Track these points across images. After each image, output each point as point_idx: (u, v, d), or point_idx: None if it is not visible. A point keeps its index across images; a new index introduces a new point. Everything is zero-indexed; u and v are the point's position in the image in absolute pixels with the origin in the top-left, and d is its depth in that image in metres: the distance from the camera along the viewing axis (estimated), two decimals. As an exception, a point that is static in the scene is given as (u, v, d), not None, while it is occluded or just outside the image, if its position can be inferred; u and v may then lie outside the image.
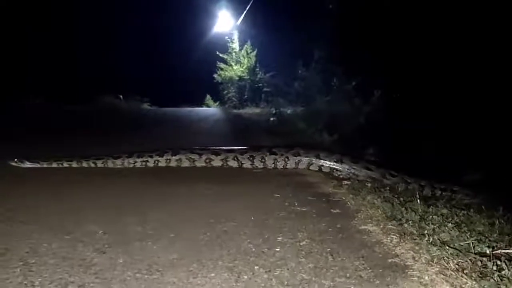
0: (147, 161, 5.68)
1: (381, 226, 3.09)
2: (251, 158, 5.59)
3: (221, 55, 27.69)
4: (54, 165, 5.50)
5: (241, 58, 27.05)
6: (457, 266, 2.36)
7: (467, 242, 2.68)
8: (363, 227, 3.14)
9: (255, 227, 3.11)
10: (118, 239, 2.79)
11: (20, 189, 4.31)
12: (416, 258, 2.52)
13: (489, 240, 2.79)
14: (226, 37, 27.94)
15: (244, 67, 26.99)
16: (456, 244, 2.66)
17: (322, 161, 5.50)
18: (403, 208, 3.48)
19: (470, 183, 5.97)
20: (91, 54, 28.37)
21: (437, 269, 2.35)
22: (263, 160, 5.56)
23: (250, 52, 26.63)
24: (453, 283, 2.19)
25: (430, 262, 2.43)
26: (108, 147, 6.60)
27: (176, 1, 34.48)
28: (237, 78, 27.47)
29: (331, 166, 5.42)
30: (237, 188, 4.56)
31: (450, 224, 3.06)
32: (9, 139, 8.21)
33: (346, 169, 5.35)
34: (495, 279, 2.16)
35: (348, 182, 4.57)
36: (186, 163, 5.69)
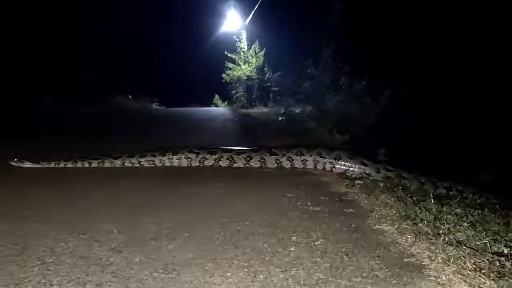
0: (153, 160, 5.70)
1: (396, 226, 3.07)
2: (261, 159, 5.61)
3: (229, 54, 27.69)
4: (52, 165, 5.53)
5: (250, 57, 27.03)
6: (474, 266, 2.34)
7: (484, 241, 2.65)
8: (377, 226, 3.12)
9: (268, 226, 3.11)
10: (133, 239, 2.81)
11: (32, 189, 4.35)
12: (433, 258, 2.50)
13: (505, 240, 2.76)
14: (234, 37, 27.96)
15: (252, 66, 26.96)
16: (472, 244, 2.64)
17: (322, 158, 5.55)
18: (417, 208, 3.46)
19: (482, 182, 5.92)
20: (100, 55, 28.53)
21: (454, 268, 2.34)
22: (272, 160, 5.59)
23: (259, 52, 26.60)
24: (471, 283, 2.17)
25: (447, 262, 2.41)
26: (114, 147, 6.63)
27: (185, 1, 34.59)
28: (245, 78, 27.46)
29: (330, 162, 5.50)
30: (248, 187, 4.57)
31: (465, 223, 3.03)
32: (20, 139, 8.31)
33: (342, 165, 5.44)
34: (514, 279, 2.14)
35: (361, 182, 4.55)
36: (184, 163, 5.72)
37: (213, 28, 30.79)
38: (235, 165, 5.66)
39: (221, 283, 2.18)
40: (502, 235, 2.89)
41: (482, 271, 2.27)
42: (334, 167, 5.46)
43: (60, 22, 24.57)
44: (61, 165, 5.55)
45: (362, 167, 5.36)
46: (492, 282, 2.15)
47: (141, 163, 5.67)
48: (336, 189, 4.46)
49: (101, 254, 2.53)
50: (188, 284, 2.16)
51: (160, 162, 5.70)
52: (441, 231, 2.89)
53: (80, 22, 26.95)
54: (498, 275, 2.21)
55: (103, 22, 29.37)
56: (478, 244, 2.63)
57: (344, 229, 3.08)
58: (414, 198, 3.86)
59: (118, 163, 5.65)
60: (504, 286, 2.10)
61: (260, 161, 5.62)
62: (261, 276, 2.26)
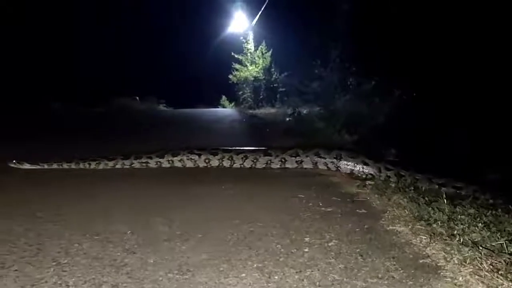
0: (148, 162, 5.69)
1: (410, 227, 3.05)
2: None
3: (236, 55, 27.73)
4: (55, 166, 5.53)
5: (256, 58, 27.06)
6: (491, 267, 2.31)
7: (500, 242, 2.62)
8: (391, 227, 3.10)
9: (281, 227, 3.10)
10: (146, 239, 2.81)
11: (43, 191, 4.37)
12: (448, 259, 2.48)
13: (521, 241, 2.73)
14: (241, 38, 28.00)
15: (259, 67, 26.99)
16: (488, 245, 2.62)
17: (320, 158, 5.56)
18: (430, 208, 3.44)
19: (491, 182, 5.88)
20: (107, 56, 28.65)
21: (471, 269, 2.31)
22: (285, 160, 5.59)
23: (265, 53, 26.61)
24: (488, 284, 2.15)
25: (463, 263, 2.39)
26: (121, 148, 6.66)
27: (192, 2, 34.67)
28: (252, 79, 27.48)
29: (331, 161, 5.53)
30: (259, 188, 4.56)
31: (479, 224, 3.00)
32: (22, 139, 8.37)
33: (344, 165, 5.46)
34: (532, 280, 2.12)
35: (372, 182, 4.53)
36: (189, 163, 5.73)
37: (220, 29, 30.87)
38: (235, 165, 5.70)
39: (236, 284, 2.17)
40: (517, 236, 2.87)
41: (499, 272, 2.25)
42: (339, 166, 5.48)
43: (66, 23, 24.77)
44: (65, 166, 5.55)
45: (364, 166, 5.37)
46: (510, 283, 2.13)
47: (148, 163, 5.68)
48: (347, 189, 4.44)
49: (115, 255, 2.53)
50: (203, 285, 2.16)
51: (169, 163, 5.70)
52: (455, 232, 2.86)
53: (87, 23, 27.10)
54: (516, 276, 2.19)
55: (110, 23, 29.51)
56: (494, 245, 2.60)
57: (357, 230, 3.06)
58: (427, 198, 3.84)
59: (126, 163, 5.65)
60: (522, 287, 2.08)
61: (280, 161, 5.64)
62: (276, 277, 2.25)
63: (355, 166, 5.40)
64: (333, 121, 9.37)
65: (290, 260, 2.49)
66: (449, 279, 2.24)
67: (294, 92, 18.99)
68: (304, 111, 13.59)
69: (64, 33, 23.93)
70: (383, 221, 3.27)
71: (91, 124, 14.66)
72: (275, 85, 25.80)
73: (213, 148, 5.90)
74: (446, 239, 2.77)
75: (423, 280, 2.24)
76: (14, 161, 5.44)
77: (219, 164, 5.68)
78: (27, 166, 5.46)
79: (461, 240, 2.70)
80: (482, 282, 2.18)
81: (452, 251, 2.56)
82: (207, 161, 5.68)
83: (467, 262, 2.39)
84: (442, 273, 2.31)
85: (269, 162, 5.60)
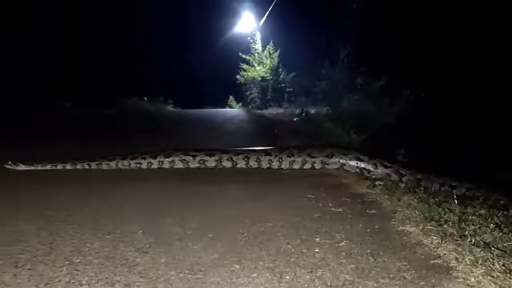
0: (141, 163, 5.64)
1: (420, 227, 3.04)
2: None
3: (243, 56, 27.78)
4: (48, 167, 5.47)
5: (264, 58, 27.10)
6: (503, 267, 2.30)
7: (511, 243, 2.62)
8: (401, 228, 3.10)
9: (291, 228, 3.11)
10: (158, 239, 2.83)
11: (53, 191, 4.40)
12: (460, 260, 2.47)
13: (533, 242, 2.72)
14: (249, 38, 28.05)
15: (266, 67, 27.05)
16: (500, 245, 2.61)
17: (314, 158, 5.53)
18: (440, 209, 3.42)
19: (502, 182, 5.84)
20: (116, 57, 28.80)
21: (483, 270, 2.30)
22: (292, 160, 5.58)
23: (273, 53, 26.64)
24: (501, 285, 2.14)
25: (475, 264, 2.38)
26: (131, 148, 6.67)
27: (200, 3, 34.78)
28: (259, 79, 27.54)
29: (323, 160, 5.51)
30: (268, 188, 4.57)
31: (491, 225, 2.99)
32: (40, 141, 8.45)
33: (337, 161, 5.47)
34: (545, 281, 2.11)
35: (381, 183, 4.52)
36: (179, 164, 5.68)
37: (227, 30, 30.93)
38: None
39: (248, 284, 2.18)
40: (529, 236, 2.85)
41: (512, 273, 2.24)
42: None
43: (76, 23, 24.92)
44: (59, 167, 5.50)
45: (358, 162, 5.37)
46: (523, 285, 2.12)
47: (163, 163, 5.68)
48: (357, 190, 4.43)
49: (127, 255, 2.55)
50: (215, 284, 2.17)
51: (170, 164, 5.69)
52: (466, 233, 2.85)
53: (96, 24, 27.24)
54: (529, 277, 2.18)
55: (119, 26, 29.66)
56: (506, 246, 2.59)
57: (368, 230, 3.06)
58: (437, 199, 3.82)
59: (129, 164, 5.65)
60: (535, 289, 2.07)
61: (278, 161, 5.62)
62: (287, 277, 2.26)
63: (347, 162, 5.40)
64: (342, 121, 9.35)
65: (301, 260, 2.49)
66: (461, 280, 2.23)
67: (301, 92, 19.00)
68: (312, 111, 13.59)
69: (69, 34, 23.98)
70: (394, 221, 3.26)
71: (105, 125, 14.76)
72: (282, 85, 25.82)
73: (211, 149, 5.91)
74: (457, 240, 2.76)
75: (435, 280, 2.23)
76: (9, 162, 5.39)
77: (217, 165, 5.70)
78: (22, 167, 5.40)
79: (473, 240, 2.69)
80: (495, 283, 2.17)
81: (464, 252, 2.55)
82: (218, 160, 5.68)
83: (479, 263, 2.38)
84: (454, 274, 2.31)
85: (270, 161, 5.60)
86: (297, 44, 22.00)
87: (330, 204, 3.76)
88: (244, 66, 28.01)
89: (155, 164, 5.65)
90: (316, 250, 2.66)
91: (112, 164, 5.59)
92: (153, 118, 17.94)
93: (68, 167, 5.51)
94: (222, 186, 4.61)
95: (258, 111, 23.93)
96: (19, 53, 18.95)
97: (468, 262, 2.42)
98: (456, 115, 9.62)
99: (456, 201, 3.64)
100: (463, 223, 3.09)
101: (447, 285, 2.18)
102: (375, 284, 2.18)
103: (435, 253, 2.61)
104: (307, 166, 5.53)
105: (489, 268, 2.33)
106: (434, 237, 2.84)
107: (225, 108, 32.28)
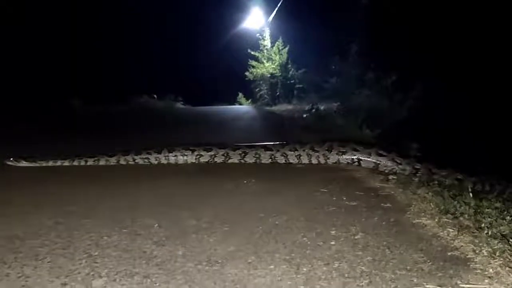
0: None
1: (436, 220, 3.03)
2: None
3: (252, 52, 27.74)
4: (51, 163, 5.51)
5: (273, 55, 27.04)
6: (522, 259, 2.29)
7: (529, 235, 2.60)
8: (417, 220, 3.09)
9: (306, 221, 3.11)
10: (174, 233, 2.85)
11: (65, 188, 4.45)
12: (477, 251, 2.46)
13: (550, 234, 2.70)
14: (258, 35, 28.01)
15: (275, 64, 26.97)
16: (517, 237, 2.59)
17: (316, 153, 5.52)
18: (456, 202, 3.41)
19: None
20: (125, 56, 28.94)
21: (501, 262, 2.29)
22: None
23: (282, 49, 26.57)
24: (520, 276, 2.13)
25: (493, 255, 2.37)
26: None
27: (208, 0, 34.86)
28: (268, 75, 27.49)
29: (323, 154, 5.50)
30: (281, 182, 4.58)
31: (508, 217, 2.97)
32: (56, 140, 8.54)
33: (334, 155, 5.46)
34: None
35: (395, 177, 4.51)
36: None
37: (236, 27, 30.92)
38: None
39: (265, 276, 2.19)
40: (546, 229, 2.83)
41: (531, 264, 2.22)
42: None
43: (85, 23, 25.06)
44: (58, 163, 5.53)
45: (354, 152, 5.39)
46: (542, 276, 2.10)
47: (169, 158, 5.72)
48: (370, 184, 4.43)
49: (144, 247, 2.58)
50: (232, 276, 2.19)
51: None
52: (483, 225, 2.84)
53: (106, 23, 27.38)
54: (548, 268, 2.17)
55: (129, 24, 29.80)
56: (523, 238, 2.57)
57: (383, 223, 3.05)
58: (451, 192, 3.81)
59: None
60: (555, 280, 2.06)
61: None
62: (305, 269, 2.27)
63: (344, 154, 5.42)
64: (353, 117, 9.30)
65: (317, 252, 2.50)
66: (479, 271, 2.22)
67: (311, 88, 18.95)
68: (322, 107, 13.56)
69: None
70: (409, 214, 3.26)
71: (117, 123, 14.89)
72: (291, 81, 25.76)
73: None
74: (474, 232, 2.75)
75: (453, 272, 2.22)
76: (11, 158, 5.42)
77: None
78: (24, 163, 5.43)
79: (489, 233, 2.68)
80: (513, 274, 2.16)
81: (481, 244, 2.54)
82: (225, 154, 5.69)
83: (497, 255, 2.37)
84: (471, 265, 2.30)
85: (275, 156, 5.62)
86: (306, 40, 21.93)
87: (344, 198, 3.76)
88: (253, 62, 27.98)
89: (171, 159, 5.72)
90: (332, 242, 2.66)
91: (122, 160, 5.66)
92: (165, 116, 18.04)
93: (75, 163, 5.57)
94: (234, 181, 4.62)
95: (268, 108, 23.93)
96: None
97: (485, 254, 2.41)
98: (470, 112, 9.54)
99: (471, 194, 3.63)
100: (479, 215, 3.07)
101: (465, 276, 2.17)
102: (392, 276, 2.18)
103: (452, 245, 2.60)
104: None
105: (507, 259, 2.31)
106: (450, 230, 2.83)
107: (235, 105, 32.31)
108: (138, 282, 2.12)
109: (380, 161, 5.24)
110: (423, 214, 3.22)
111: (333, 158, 5.48)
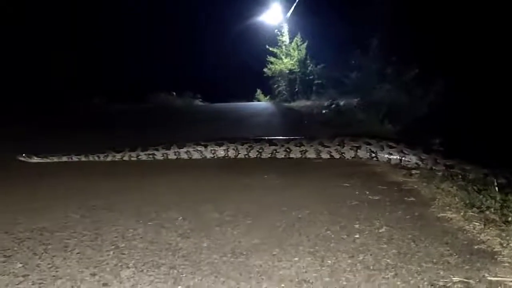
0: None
1: (461, 214, 3.00)
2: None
3: (270, 48, 27.69)
4: (64, 159, 5.59)
5: (291, 50, 26.95)
6: (551, 252, 2.26)
7: (558, 229, 2.55)
8: (441, 214, 3.06)
9: (330, 214, 3.11)
10: (198, 225, 2.88)
11: (83, 182, 4.54)
12: (504, 245, 2.42)
13: None
14: (276, 30, 27.94)
15: (294, 59, 26.87)
16: (545, 231, 2.55)
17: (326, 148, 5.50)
18: (481, 196, 3.36)
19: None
20: (145, 54, 29.18)
21: (529, 255, 2.26)
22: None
23: (300, 44, 26.45)
24: (549, 269, 2.10)
25: (520, 249, 2.34)
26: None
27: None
28: (287, 71, 27.41)
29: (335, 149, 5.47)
30: (301, 177, 4.58)
31: (536, 211, 2.92)
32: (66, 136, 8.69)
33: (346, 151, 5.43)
34: None
35: (418, 171, 4.46)
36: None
37: (254, 24, 30.92)
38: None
39: (290, 267, 2.20)
40: None
41: (560, 258, 2.19)
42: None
43: (106, 22, 25.30)
44: (74, 159, 5.62)
45: (368, 146, 5.35)
46: None
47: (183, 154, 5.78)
48: (393, 178, 4.39)
49: (170, 240, 2.61)
50: (258, 267, 2.20)
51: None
52: (510, 219, 2.80)
53: (126, 22, 27.63)
54: None
55: (148, 22, 30.02)
56: (552, 232, 2.53)
57: (408, 217, 3.03)
58: (476, 186, 3.76)
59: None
60: None
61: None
62: (329, 261, 2.27)
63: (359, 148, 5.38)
64: (374, 111, 9.22)
65: (341, 245, 2.49)
66: (507, 264, 2.19)
67: (330, 84, 18.83)
68: (341, 103, 13.47)
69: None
70: (433, 208, 3.22)
71: (136, 120, 15.09)
72: (310, 77, 25.64)
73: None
74: (500, 226, 2.71)
75: (480, 265, 2.20)
76: (23, 154, 5.49)
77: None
78: (35, 159, 5.50)
79: (516, 226, 2.64)
80: (543, 268, 2.12)
81: (508, 237, 2.51)
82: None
83: (525, 248, 2.34)
84: (499, 259, 2.27)
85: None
86: (325, 35, 21.81)
87: (367, 192, 3.75)
88: (272, 59, 27.95)
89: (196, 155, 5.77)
90: (356, 236, 2.66)
91: (143, 156, 5.75)
92: (186, 113, 18.18)
93: (85, 158, 5.65)
94: (254, 177, 4.63)
95: (286, 104, 23.89)
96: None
97: (513, 247, 2.38)
98: (492, 108, 9.37)
99: (497, 189, 3.57)
100: (505, 209, 3.03)
101: (493, 269, 2.15)
102: (418, 268, 2.17)
103: (478, 239, 2.57)
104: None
105: (535, 253, 2.28)
106: (476, 223, 2.80)
107: (253, 101, 32.34)
108: (165, 272, 2.15)
109: (405, 156, 5.18)
110: (447, 208, 3.19)
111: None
